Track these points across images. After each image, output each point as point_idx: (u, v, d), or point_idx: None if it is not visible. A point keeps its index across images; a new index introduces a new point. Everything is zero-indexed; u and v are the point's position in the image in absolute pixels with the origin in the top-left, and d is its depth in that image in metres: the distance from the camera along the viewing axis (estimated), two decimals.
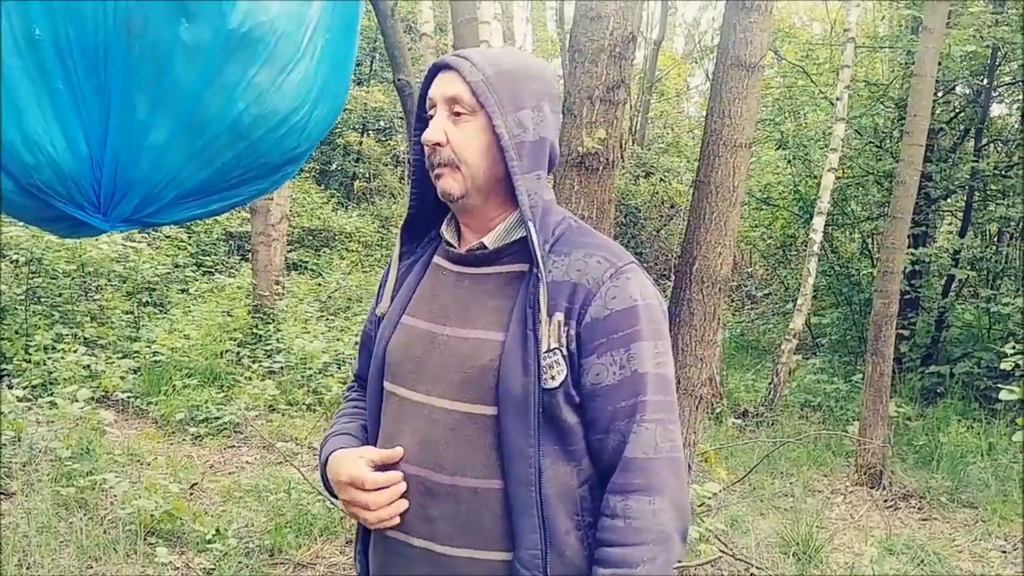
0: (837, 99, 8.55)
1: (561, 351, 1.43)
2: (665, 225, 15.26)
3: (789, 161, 10.86)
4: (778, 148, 11.04)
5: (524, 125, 1.49)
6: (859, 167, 10.41)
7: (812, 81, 10.65)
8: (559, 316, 1.44)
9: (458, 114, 1.49)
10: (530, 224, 1.46)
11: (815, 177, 10.16)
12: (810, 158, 10.71)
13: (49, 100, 1.49)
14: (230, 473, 5.59)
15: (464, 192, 1.51)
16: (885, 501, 5.94)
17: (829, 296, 11.04)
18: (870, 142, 10.28)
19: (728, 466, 6.01)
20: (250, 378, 7.20)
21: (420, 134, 1.57)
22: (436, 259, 1.63)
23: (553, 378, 1.42)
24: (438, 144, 1.49)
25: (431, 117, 1.52)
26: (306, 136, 1.66)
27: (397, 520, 1.49)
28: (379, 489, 1.49)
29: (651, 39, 17.69)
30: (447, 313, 1.54)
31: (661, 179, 15.38)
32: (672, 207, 15.33)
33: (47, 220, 1.68)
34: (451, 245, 1.59)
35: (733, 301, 14.03)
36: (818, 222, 8.52)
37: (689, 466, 3.98)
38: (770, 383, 8.42)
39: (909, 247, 8.26)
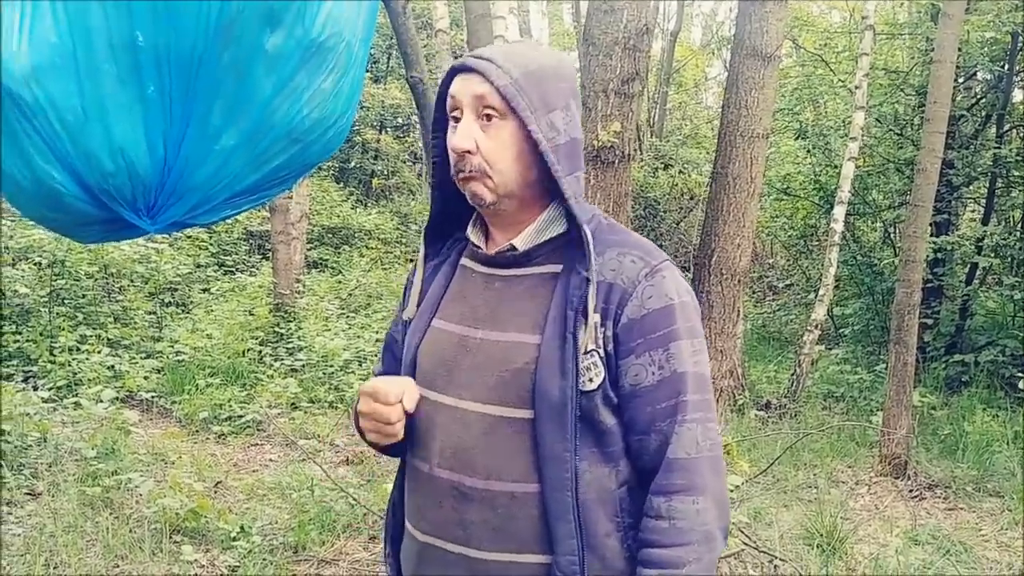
0: (856, 87, 8.47)
1: (599, 353, 1.42)
2: (684, 217, 15.20)
3: (809, 151, 10.78)
4: (797, 138, 10.97)
5: (556, 127, 1.45)
6: (880, 155, 10.33)
7: (831, 70, 10.57)
8: (595, 317, 1.42)
9: (488, 118, 1.44)
10: (586, 228, 1.44)
11: (835, 166, 10.08)
12: (830, 147, 10.63)
13: (140, 106, 1.49)
14: (253, 471, 5.63)
15: (496, 199, 1.47)
16: (910, 491, 5.89)
17: (851, 286, 10.96)
18: (890, 130, 10.19)
19: (751, 458, 5.99)
20: (272, 376, 7.24)
21: (438, 136, 1.54)
22: (464, 261, 1.60)
23: (591, 380, 1.41)
24: (467, 152, 1.44)
25: (454, 119, 1.48)
26: (342, 136, 1.71)
27: (400, 436, 1.51)
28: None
29: (668, 30, 17.62)
30: (478, 316, 1.52)
31: (680, 171, 15.32)
32: (691, 199, 15.27)
33: (85, 224, 1.67)
34: (478, 247, 1.56)
35: (755, 292, 13.96)
36: (839, 212, 8.45)
37: None
38: (793, 374, 8.36)
39: (932, 235, 8.18)
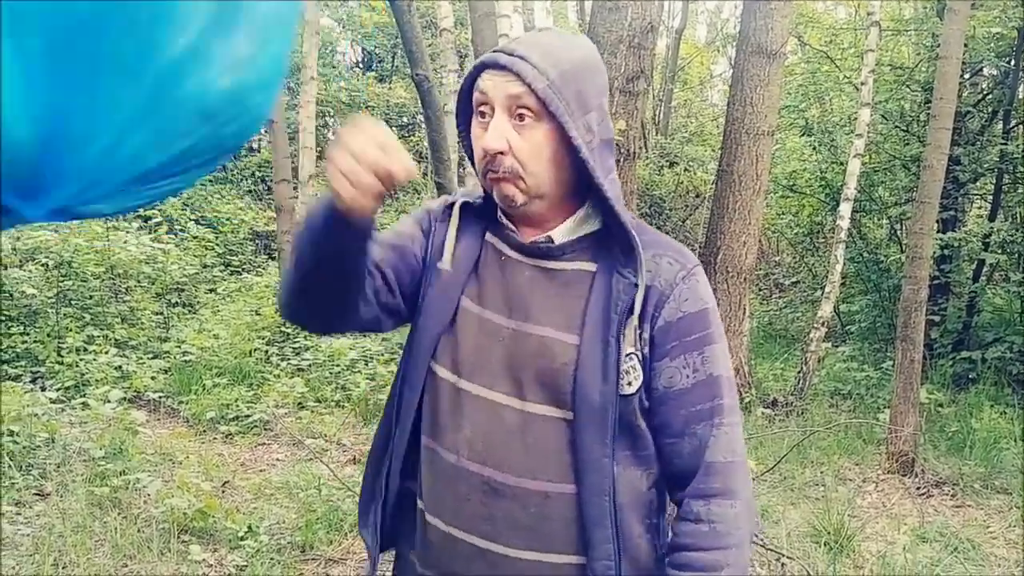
0: (862, 84, 8.46)
1: (637, 356, 1.41)
2: (690, 215, 15.18)
3: (814, 148, 10.77)
4: (803, 135, 10.95)
5: (592, 129, 1.41)
6: (886, 152, 10.31)
7: (836, 66, 10.55)
8: (633, 320, 1.41)
9: (521, 118, 1.39)
10: (633, 233, 1.43)
11: (841, 163, 10.06)
12: (836, 144, 10.62)
13: (15, 64, 1.19)
14: (261, 471, 5.64)
15: (527, 200, 1.44)
16: (917, 489, 5.88)
17: (858, 283, 10.94)
18: (896, 126, 10.17)
19: (758, 456, 5.98)
20: (279, 376, 7.26)
21: (464, 130, 1.50)
22: (492, 240, 1.53)
23: (630, 384, 1.41)
24: (500, 153, 1.39)
25: (480, 114, 1.43)
26: (259, 120, 1.42)
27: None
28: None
29: (673, 28, 17.60)
30: (510, 304, 1.47)
31: (685, 169, 15.31)
32: (697, 196, 15.26)
33: None
34: (512, 231, 1.51)
35: (761, 290, 13.95)
36: (845, 209, 8.44)
37: None
38: (799, 372, 8.36)
39: (938, 232, 8.16)
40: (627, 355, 1.40)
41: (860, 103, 8.48)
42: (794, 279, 13.43)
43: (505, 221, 1.52)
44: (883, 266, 10.20)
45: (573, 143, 1.37)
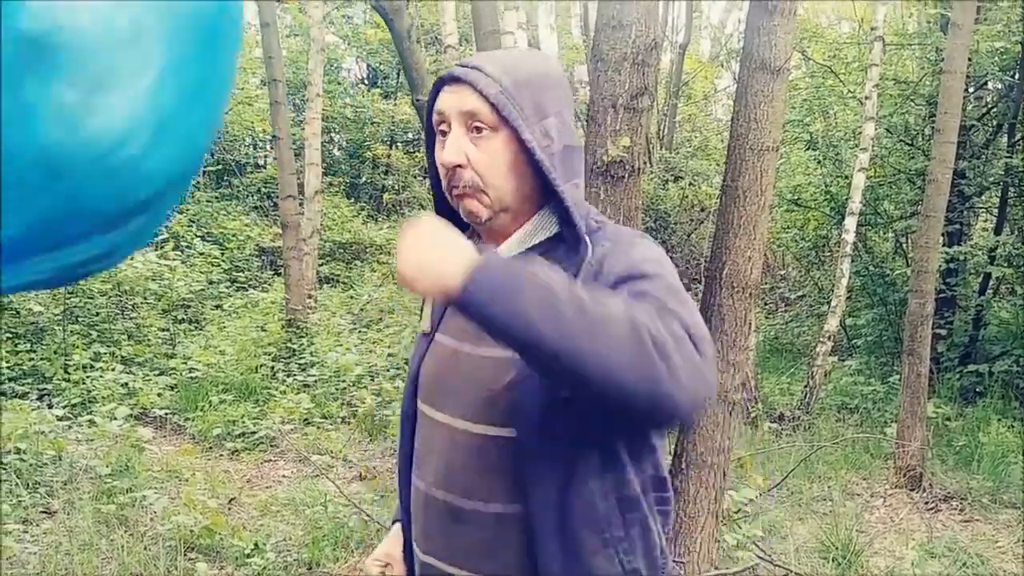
0: (866, 98, 8.47)
1: None
2: (695, 229, 15.19)
3: (819, 162, 10.77)
4: (808, 149, 10.96)
5: (550, 135, 1.39)
6: (891, 166, 10.31)
7: (840, 81, 10.57)
8: None
9: (478, 130, 1.38)
10: (584, 236, 1.39)
11: (846, 177, 10.07)
12: (841, 158, 10.62)
13: None
14: (267, 487, 5.64)
15: (492, 215, 1.43)
16: (925, 503, 5.86)
17: (864, 297, 10.92)
18: (901, 140, 10.18)
19: (764, 471, 5.97)
20: (285, 392, 7.26)
21: (430, 154, 1.48)
22: None
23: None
24: (459, 166, 1.39)
25: (441, 133, 1.42)
26: (145, 178, 1.25)
27: None
28: None
29: (677, 43, 17.65)
30: (465, 328, 1.44)
31: (690, 183, 15.32)
32: (702, 211, 15.26)
33: None
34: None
35: (767, 304, 13.93)
36: (850, 223, 8.45)
37: (724, 472, 3.96)
38: (806, 386, 8.34)
39: (944, 245, 8.16)
40: None
41: (864, 117, 8.50)
42: (800, 293, 13.41)
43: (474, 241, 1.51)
44: (889, 279, 10.18)
45: (530, 150, 1.36)
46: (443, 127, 1.41)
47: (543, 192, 1.43)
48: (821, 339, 8.46)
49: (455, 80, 1.39)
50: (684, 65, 17.45)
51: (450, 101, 1.39)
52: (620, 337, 1.12)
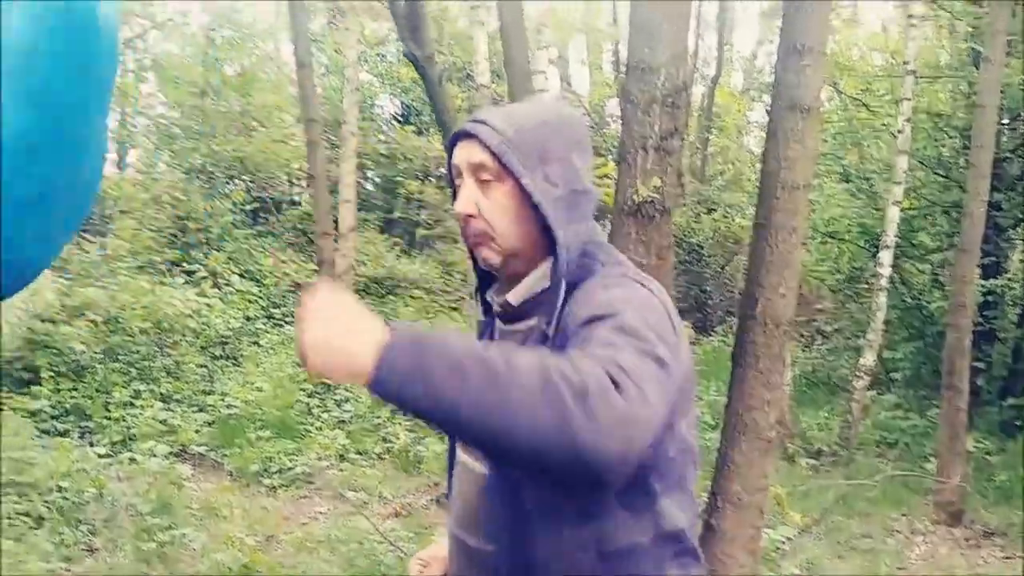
0: (899, 131, 8.45)
1: None
2: (729, 262, 15.14)
3: (853, 194, 10.73)
4: (841, 181, 10.92)
5: (552, 180, 1.42)
6: (925, 198, 10.24)
7: (872, 113, 10.54)
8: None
9: (485, 181, 1.44)
10: (563, 284, 1.39)
11: (880, 209, 10.01)
12: (875, 191, 10.57)
13: None
14: (303, 524, 5.68)
15: (503, 260, 1.47)
16: (967, 540, 5.77)
17: (901, 330, 10.81)
18: (935, 172, 10.11)
19: (803, 508, 5.90)
20: (320, 428, 7.32)
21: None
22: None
23: None
24: (470, 216, 1.45)
25: (458, 187, 1.48)
26: None
27: None
28: None
29: (708, 76, 17.72)
30: None
31: (724, 215, 15.30)
32: (735, 243, 15.22)
33: None
34: (493, 298, 1.56)
35: (803, 337, 13.81)
36: (885, 256, 8.39)
37: (761, 510, 3.93)
38: (844, 421, 8.26)
39: (980, 278, 8.07)
40: None
41: (896, 150, 8.47)
42: (836, 326, 13.29)
43: (491, 295, 1.57)
44: (927, 312, 10.08)
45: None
46: (458, 180, 1.48)
47: (552, 238, 1.45)
48: (858, 373, 8.38)
49: (465, 135, 1.46)
50: (715, 98, 17.49)
51: (461, 155, 1.46)
52: (530, 388, 1.07)
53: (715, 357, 10.42)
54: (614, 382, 1.09)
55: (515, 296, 1.48)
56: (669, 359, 1.21)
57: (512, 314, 1.51)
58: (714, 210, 15.48)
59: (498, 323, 1.57)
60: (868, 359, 8.42)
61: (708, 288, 15.04)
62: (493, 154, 1.41)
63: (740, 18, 20.38)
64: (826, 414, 9.46)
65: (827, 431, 8.72)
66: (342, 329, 1.12)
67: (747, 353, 3.80)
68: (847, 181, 10.76)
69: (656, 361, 1.18)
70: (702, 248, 14.95)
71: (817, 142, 4.01)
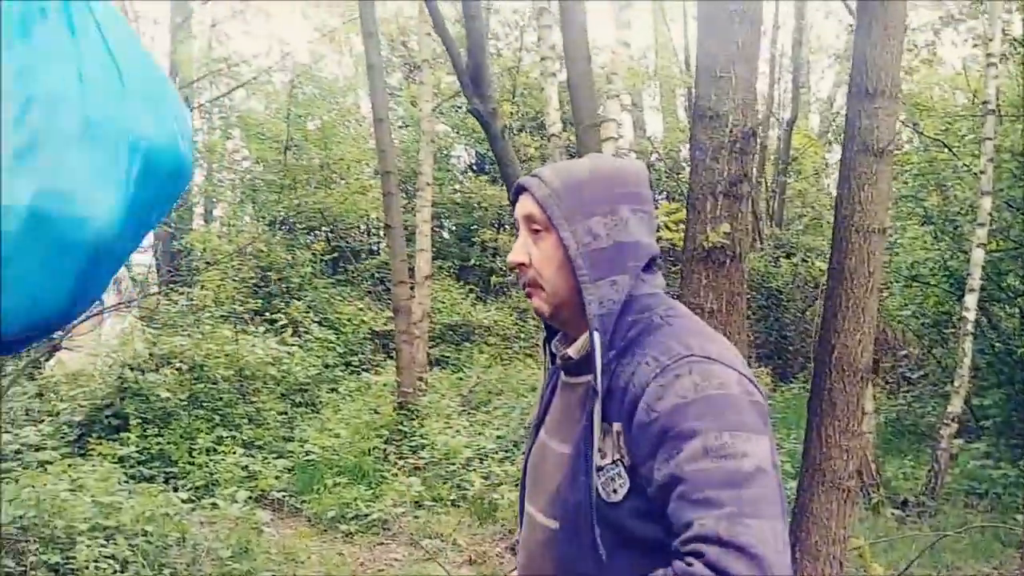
0: (981, 172, 8.26)
1: (622, 462, 1.37)
2: (809, 307, 14.85)
3: (936, 237, 10.47)
4: (923, 224, 10.68)
5: (595, 232, 1.46)
6: (1012, 240, 9.94)
7: (954, 155, 10.32)
8: (617, 425, 1.39)
9: (536, 232, 1.50)
10: (596, 336, 1.42)
11: (965, 252, 9.75)
12: (959, 233, 10.30)
13: None
14: (380, 570, 5.71)
15: (551, 310, 1.52)
16: None
17: (991, 375, 10.42)
18: (1022, 213, 9.82)
19: (888, 560, 5.72)
20: (396, 475, 7.38)
21: None
22: None
23: (615, 491, 1.37)
24: (522, 265, 1.52)
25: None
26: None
27: None
28: None
29: (783, 119, 17.57)
30: (551, 425, 1.58)
31: (803, 259, 15.06)
32: (816, 287, 14.93)
33: None
34: (555, 355, 1.62)
35: (887, 384, 13.43)
36: (970, 300, 8.16)
37: (841, 563, 3.83)
38: (930, 470, 7.98)
39: None
40: (612, 463, 1.37)
41: (980, 191, 8.27)
42: (922, 372, 12.90)
43: (555, 346, 1.63)
44: (1016, 357, 9.72)
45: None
46: (519, 232, 1.57)
47: None
48: (945, 421, 8.12)
49: (522, 189, 1.55)
50: (792, 141, 17.32)
51: (519, 208, 1.55)
52: None
53: (795, 404, 10.21)
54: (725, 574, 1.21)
55: (574, 350, 1.52)
56: (760, 459, 1.30)
57: (573, 367, 1.55)
58: (793, 254, 15.26)
59: (562, 375, 1.61)
60: (955, 406, 8.15)
61: (788, 334, 14.76)
62: (540, 206, 1.49)
63: (816, 60, 20.14)
64: (912, 463, 9.16)
65: (913, 481, 8.43)
66: None
67: (823, 400, 3.73)
68: (929, 223, 10.51)
69: (749, 503, 1.26)
70: (781, 293, 14.71)
71: (891, 185, 3.96)
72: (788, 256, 15.27)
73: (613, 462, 1.38)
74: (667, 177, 16.55)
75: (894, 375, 13.69)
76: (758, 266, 14.52)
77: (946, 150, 10.47)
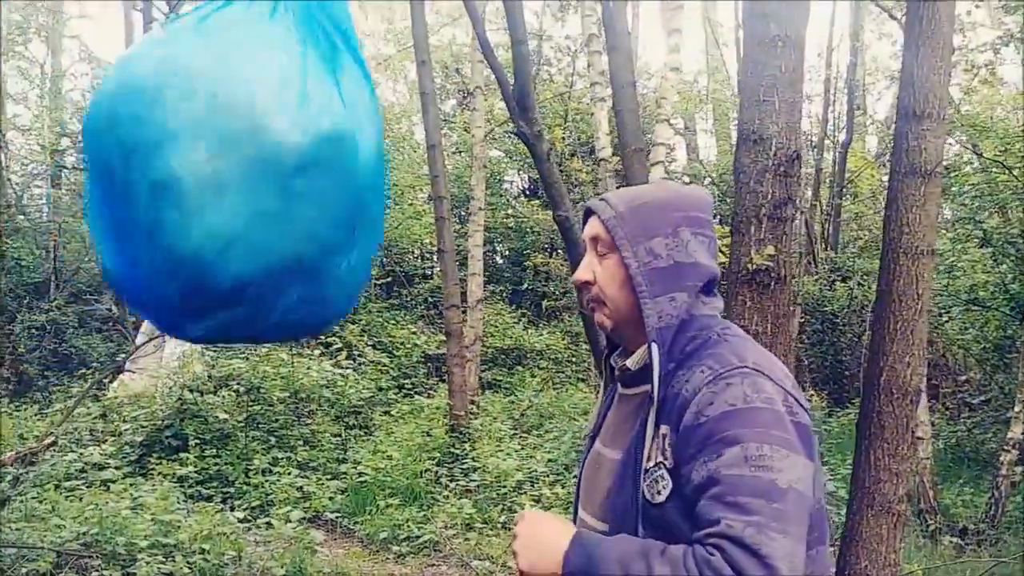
0: None
1: (665, 465, 1.44)
2: (866, 331, 14.62)
3: (995, 259, 10.27)
4: (981, 246, 10.48)
5: (656, 252, 1.56)
6: None
7: (1014, 176, 10.14)
8: (664, 428, 1.47)
9: (601, 252, 1.61)
10: (654, 347, 1.52)
11: None
12: (1021, 255, 10.08)
13: None
14: None
15: (614, 325, 1.63)
16: None
17: None
18: None
19: None
20: (447, 497, 7.43)
21: None
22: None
23: (659, 493, 1.44)
24: (587, 283, 1.62)
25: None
26: (222, 277, 1.62)
27: None
28: None
29: (839, 142, 17.39)
30: (607, 433, 1.67)
31: (859, 283, 14.85)
32: (873, 311, 14.70)
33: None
34: (613, 367, 1.71)
35: (947, 409, 13.16)
36: None
37: None
38: (990, 498, 7.81)
39: None
40: (656, 465, 1.46)
41: None
42: (983, 397, 12.61)
43: (614, 359, 1.72)
44: None
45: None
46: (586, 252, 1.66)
47: None
48: (1005, 447, 7.94)
49: (590, 211, 1.66)
50: (848, 163, 17.12)
51: (586, 230, 1.66)
52: None
53: (851, 430, 10.04)
54: (740, 574, 1.29)
55: (632, 362, 1.62)
56: (793, 478, 1.37)
57: (629, 379, 1.65)
58: (849, 278, 15.05)
59: (619, 387, 1.70)
60: (1016, 432, 7.97)
61: (843, 358, 14.54)
62: (605, 227, 1.59)
63: (874, 82, 19.93)
64: (972, 490, 8.95)
65: (973, 508, 8.24)
66: (541, 547, 1.47)
67: (872, 424, 3.71)
68: (988, 246, 10.32)
69: (777, 518, 1.34)
70: (836, 317, 14.52)
71: (939, 207, 3.94)
72: (844, 280, 15.07)
73: (657, 464, 1.46)
74: (719, 200, 16.48)
75: (955, 400, 13.40)
76: (813, 290, 14.36)
77: (1006, 171, 10.28)
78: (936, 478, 8.16)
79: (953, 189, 10.50)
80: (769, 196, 3.27)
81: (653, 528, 1.45)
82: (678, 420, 1.45)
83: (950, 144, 12.19)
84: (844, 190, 17.00)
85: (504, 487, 7.54)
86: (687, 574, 1.31)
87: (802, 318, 13.16)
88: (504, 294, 15.19)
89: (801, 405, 1.47)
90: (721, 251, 4.77)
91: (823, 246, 16.04)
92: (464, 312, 9.95)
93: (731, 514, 1.33)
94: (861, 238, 17.18)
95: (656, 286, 1.55)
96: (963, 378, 13.88)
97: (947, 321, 11.48)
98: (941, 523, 7.32)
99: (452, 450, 8.51)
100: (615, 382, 1.72)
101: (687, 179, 17.76)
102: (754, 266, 3.28)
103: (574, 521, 1.70)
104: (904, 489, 3.72)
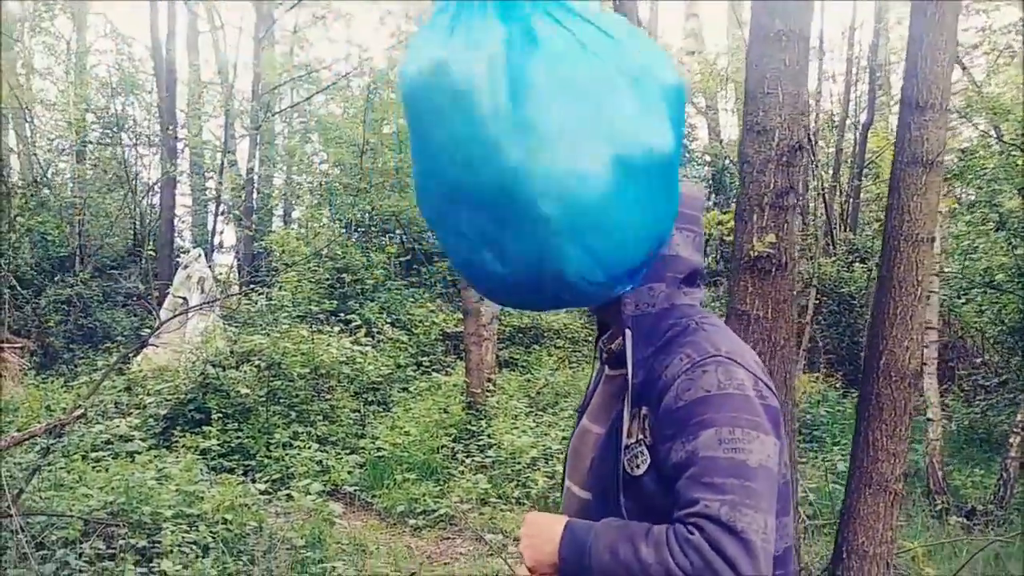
0: None
1: (644, 442, 1.58)
2: None
3: (1011, 243, 10.29)
4: (997, 229, 10.49)
5: None
6: None
7: None
8: (645, 409, 1.60)
9: None
10: (628, 332, 1.68)
11: None
12: None
13: None
14: (445, 564, 5.94)
15: (598, 309, 1.80)
16: None
17: None
18: None
19: (950, 568, 5.72)
20: (463, 472, 7.60)
21: None
22: None
23: (638, 467, 1.58)
24: None
25: None
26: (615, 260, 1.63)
27: None
28: None
29: (859, 123, 17.33)
30: (593, 410, 1.81)
31: (877, 264, 14.80)
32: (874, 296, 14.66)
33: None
34: (602, 344, 1.85)
35: (963, 391, 13.19)
36: None
37: (888, 563, 3.91)
38: (999, 479, 7.89)
39: None
40: (636, 442, 1.59)
41: None
42: (999, 380, 12.64)
43: (602, 341, 1.86)
44: None
45: None
46: None
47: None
48: (1015, 429, 8.01)
49: None
50: (869, 143, 17.07)
51: None
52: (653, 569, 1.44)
53: None
54: (719, 549, 1.41)
55: (616, 345, 1.77)
56: (763, 457, 1.50)
57: (614, 360, 1.79)
58: (867, 259, 15.04)
59: (606, 368, 1.85)
60: None
61: (860, 339, 14.56)
62: None
63: (898, 63, 19.80)
64: (983, 472, 9.03)
65: (983, 490, 8.33)
66: (539, 541, 1.60)
67: (871, 406, 3.83)
68: (1004, 229, 10.33)
69: (750, 495, 1.46)
70: (854, 298, 14.53)
71: (939, 196, 4.03)
72: (862, 260, 15.06)
73: (637, 441, 1.60)
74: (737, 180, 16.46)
75: (970, 383, 13.43)
76: (830, 271, 14.38)
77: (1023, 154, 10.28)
78: (947, 459, 8.24)
79: (969, 176, 10.49)
80: (772, 185, 3.38)
81: (631, 497, 1.59)
82: (658, 402, 1.57)
83: (970, 126, 12.15)
84: (864, 171, 16.96)
85: (519, 463, 7.70)
86: (670, 553, 1.44)
87: (818, 299, 13.18)
88: None
89: (770, 389, 1.61)
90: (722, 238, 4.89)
91: (842, 227, 16.04)
92: None
93: (708, 494, 1.45)
94: (880, 219, 17.13)
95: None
96: (979, 360, 13.90)
97: (964, 304, 11.50)
98: (949, 503, 7.42)
99: (468, 427, 8.67)
100: (604, 362, 1.86)
101: (708, 158, 17.76)
102: (756, 253, 3.39)
103: (562, 489, 1.84)
104: (901, 469, 3.84)
